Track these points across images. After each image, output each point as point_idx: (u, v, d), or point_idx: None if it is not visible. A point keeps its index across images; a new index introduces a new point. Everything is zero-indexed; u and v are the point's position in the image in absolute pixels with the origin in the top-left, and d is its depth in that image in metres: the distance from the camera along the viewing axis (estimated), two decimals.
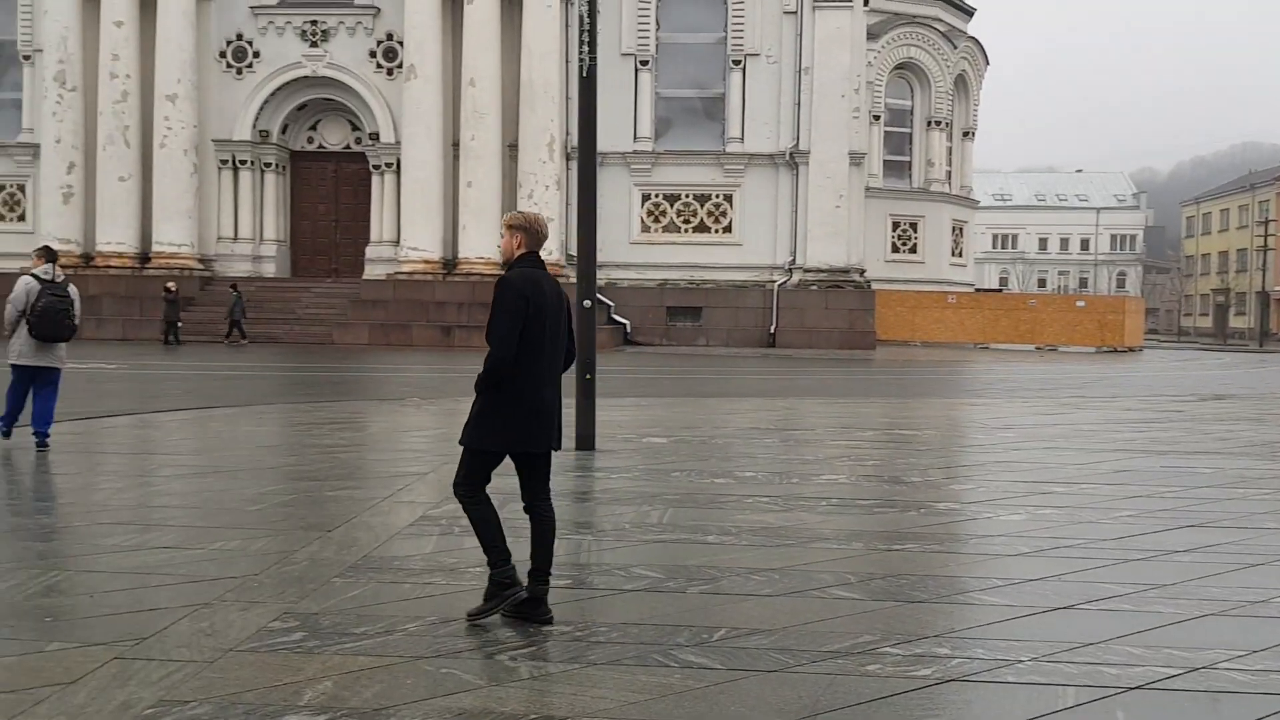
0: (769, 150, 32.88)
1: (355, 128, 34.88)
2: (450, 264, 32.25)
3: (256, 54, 33.85)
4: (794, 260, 32.87)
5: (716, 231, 33.33)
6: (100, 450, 9.86)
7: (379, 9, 33.34)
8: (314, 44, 33.62)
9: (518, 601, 4.52)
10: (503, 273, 4.94)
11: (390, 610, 4.69)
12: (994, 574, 5.54)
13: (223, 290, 31.95)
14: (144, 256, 32.98)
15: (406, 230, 32.24)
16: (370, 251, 33.74)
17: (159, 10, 32.41)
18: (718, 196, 33.28)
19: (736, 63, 32.90)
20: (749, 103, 32.95)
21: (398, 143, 32.84)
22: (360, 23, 33.60)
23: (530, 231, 4.81)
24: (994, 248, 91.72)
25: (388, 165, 33.59)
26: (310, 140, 35.41)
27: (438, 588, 5.09)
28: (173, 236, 32.76)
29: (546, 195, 31.85)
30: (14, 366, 9.42)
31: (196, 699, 3.62)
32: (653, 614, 4.70)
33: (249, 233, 34.48)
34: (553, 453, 4.78)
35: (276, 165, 34.74)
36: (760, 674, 3.97)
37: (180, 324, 29.18)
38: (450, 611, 4.67)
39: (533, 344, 4.57)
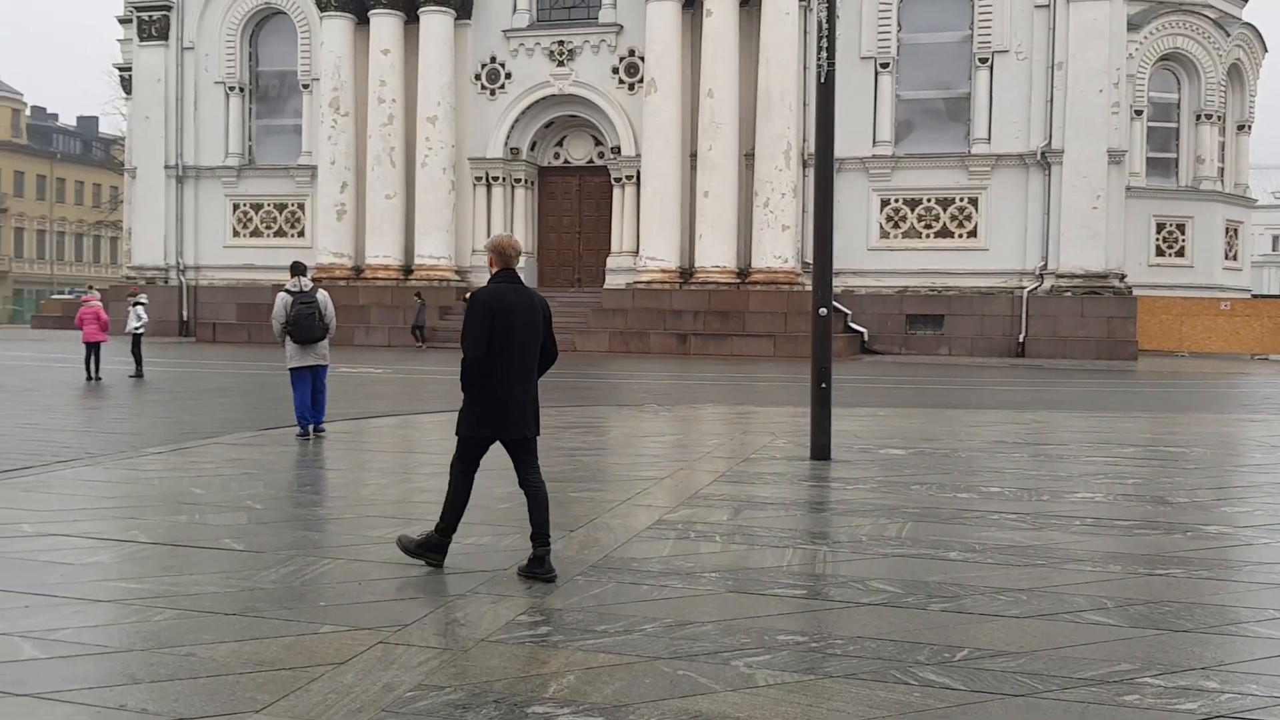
0: (1018, 150, 31.46)
1: (598, 142, 36.02)
2: (687, 273, 32.70)
3: (508, 75, 35.58)
4: (1045, 265, 31.26)
5: (960, 236, 32.19)
6: (367, 448, 10.63)
7: (622, 26, 34.30)
8: (560, 63, 34.99)
9: (434, 557, 5.51)
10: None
11: (629, 610, 4.81)
12: (1272, 604, 5.07)
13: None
14: (407, 269, 35.31)
15: (645, 240, 32.95)
16: (611, 262, 34.72)
17: (421, 38, 34.67)
18: (961, 200, 32.14)
19: (983, 61, 31.68)
20: (996, 101, 31.65)
21: (638, 155, 33.64)
22: (604, 40, 34.68)
23: (500, 253, 5.57)
24: (1275, 250, 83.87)
25: (628, 178, 34.48)
26: (556, 156, 36.86)
27: (674, 591, 5.17)
28: (432, 250, 34.91)
29: (782, 203, 31.76)
30: (290, 371, 10.90)
31: (451, 685, 3.84)
32: (891, 629, 4.60)
33: None
34: (537, 438, 5.63)
35: (525, 180, 36.37)
36: (1006, 698, 3.81)
37: (424, 327, 31.82)
38: (686, 615, 4.74)
39: (502, 348, 5.36)
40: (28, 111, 76.84)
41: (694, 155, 32.72)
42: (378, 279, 35.04)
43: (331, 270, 35.04)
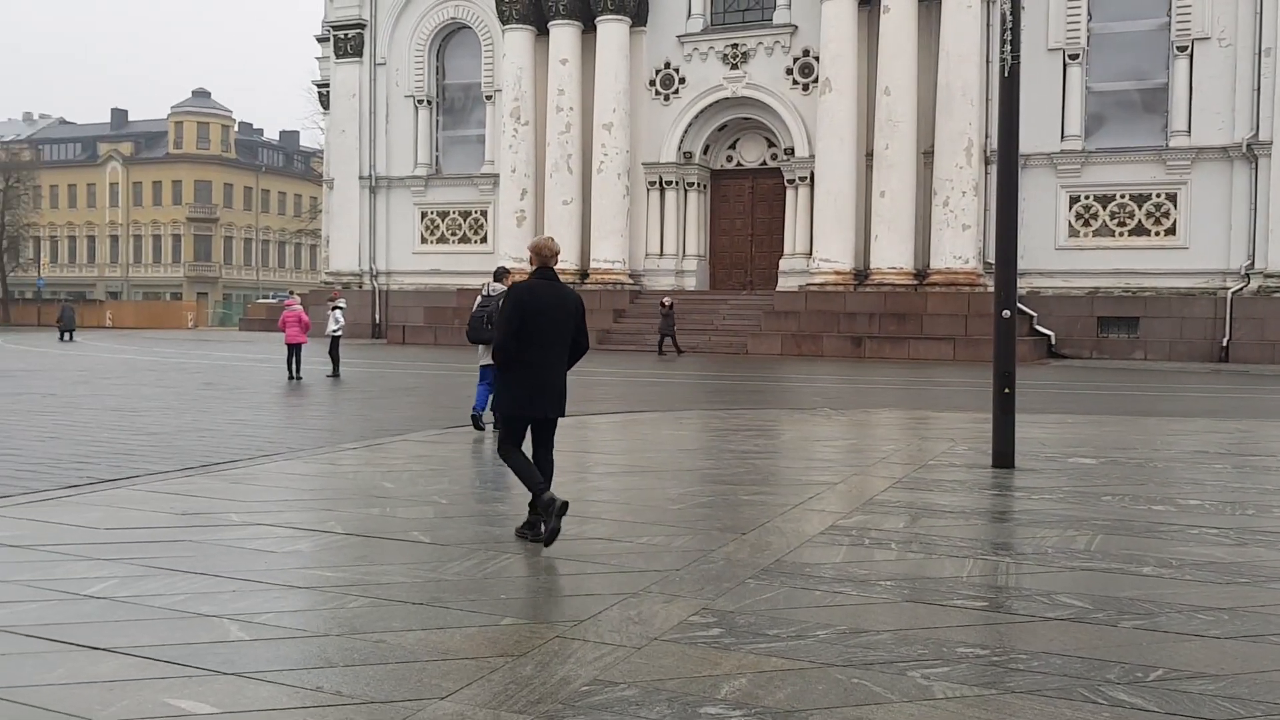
0: (1221, 143, 29.51)
1: (771, 144, 35.85)
2: (862, 275, 32.14)
3: (682, 80, 35.85)
4: (1251, 264, 29.20)
5: (1157, 234, 30.44)
6: None
7: (796, 27, 34.04)
8: (734, 66, 35.00)
9: (551, 525, 5.86)
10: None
11: (802, 615, 4.78)
12: None
13: (651, 303, 34.18)
14: (583, 272, 36.04)
15: (819, 242, 32.57)
16: (784, 264, 34.48)
17: (598, 46, 35.35)
18: (1158, 195, 30.39)
19: (1182, 49, 29.88)
20: (1196, 92, 29.79)
21: (811, 156, 33.30)
22: (778, 42, 34.50)
23: (539, 253, 6.22)
24: None
25: (801, 179, 34.16)
26: (729, 159, 36.90)
27: (848, 598, 5.11)
28: (606, 254, 35.52)
29: (963, 202, 30.82)
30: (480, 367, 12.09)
31: (625, 681, 3.91)
32: (1078, 645, 4.41)
33: (673, 248, 36.58)
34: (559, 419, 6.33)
35: (698, 184, 36.56)
36: None
37: (673, 336, 29.80)
38: (861, 622, 4.67)
39: (531, 337, 5.98)
40: (236, 128, 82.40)
41: (869, 154, 32.14)
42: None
43: (512, 275, 36.07)
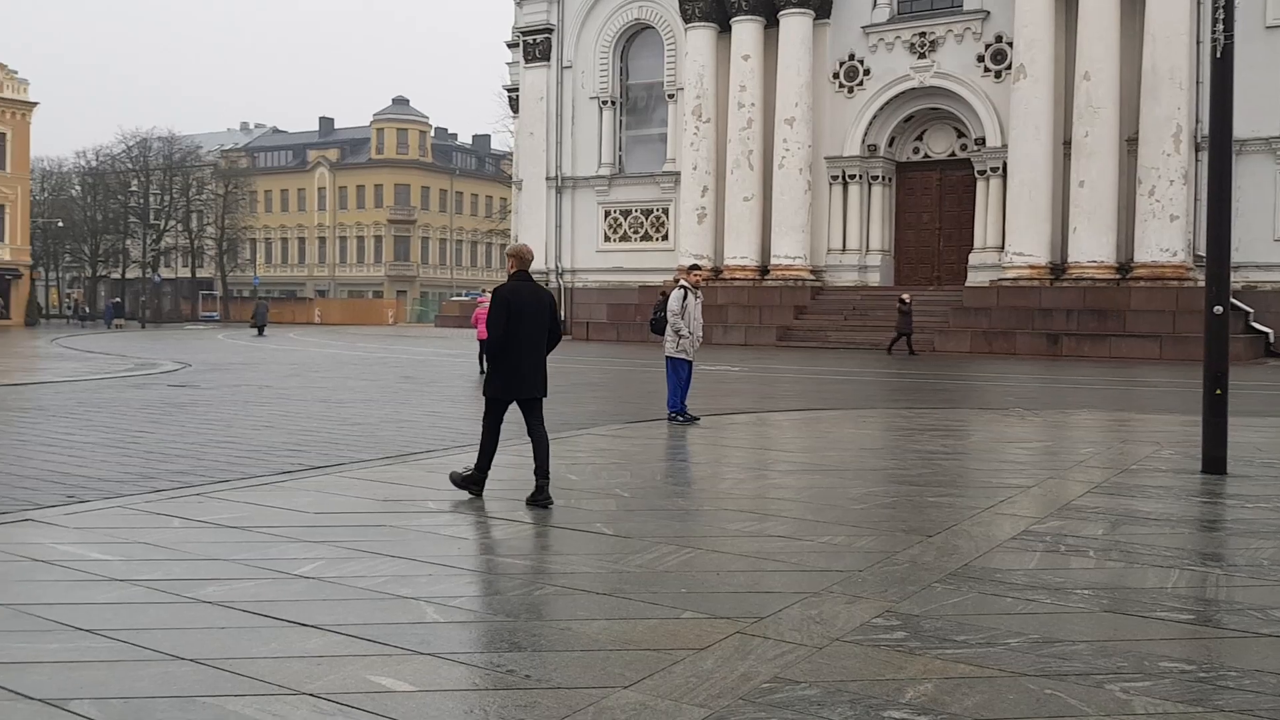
0: None
1: (960, 135, 34.74)
2: (1058, 269, 30.74)
3: (866, 71, 35.17)
4: None
5: None
6: (725, 443, 10.94)
7: (988, 12, 32.86)
8: (921, 55, 34.09)
9: (474, 489, 7.27)
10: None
11: (991, 622, 4.63)
12: None
13: (831, 300, 33.69)
14: (763, 269, 35.89)
15: (1011, 235, 31.36)
16: (973, 258, 33.36)
17: (780, 40, 35.11)
18: None
19: None
20: None
21: (1004, 146, 32.09)
22: (969, 28, 33.39)
23: (519, 258, 7.32)
24: None
25: (993, 170, 32.96)
26: (915, 151, 35.96)
27: (1041, 606, 4.91)
28: (788, 250, 35.25)
29: (1170, 191, 29.04)
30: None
31: (807, 680, 3.89)
32: None
33: (856, 244, 35.95)
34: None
35: (883, 177, 35.79)
36: None
37: (909, 336, 28.37)
38: (1055, 632, 4.49)
39: (516, 331, 6.99)
40: (432, 133, 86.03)
41: (1067, 143, 30.70)
42: (735, 280, 35.88)
43: (698, 273, 36.30)
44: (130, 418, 12.51)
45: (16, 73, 58.93)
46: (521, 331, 7.01)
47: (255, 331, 44.99)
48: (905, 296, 29.09)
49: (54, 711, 3.50)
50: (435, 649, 4.19)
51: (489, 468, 7.29)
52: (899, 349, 28.39)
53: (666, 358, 12.39)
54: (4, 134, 57.72)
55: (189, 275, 78.08)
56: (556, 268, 41.94)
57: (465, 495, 7.27)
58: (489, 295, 7.34)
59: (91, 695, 3.63)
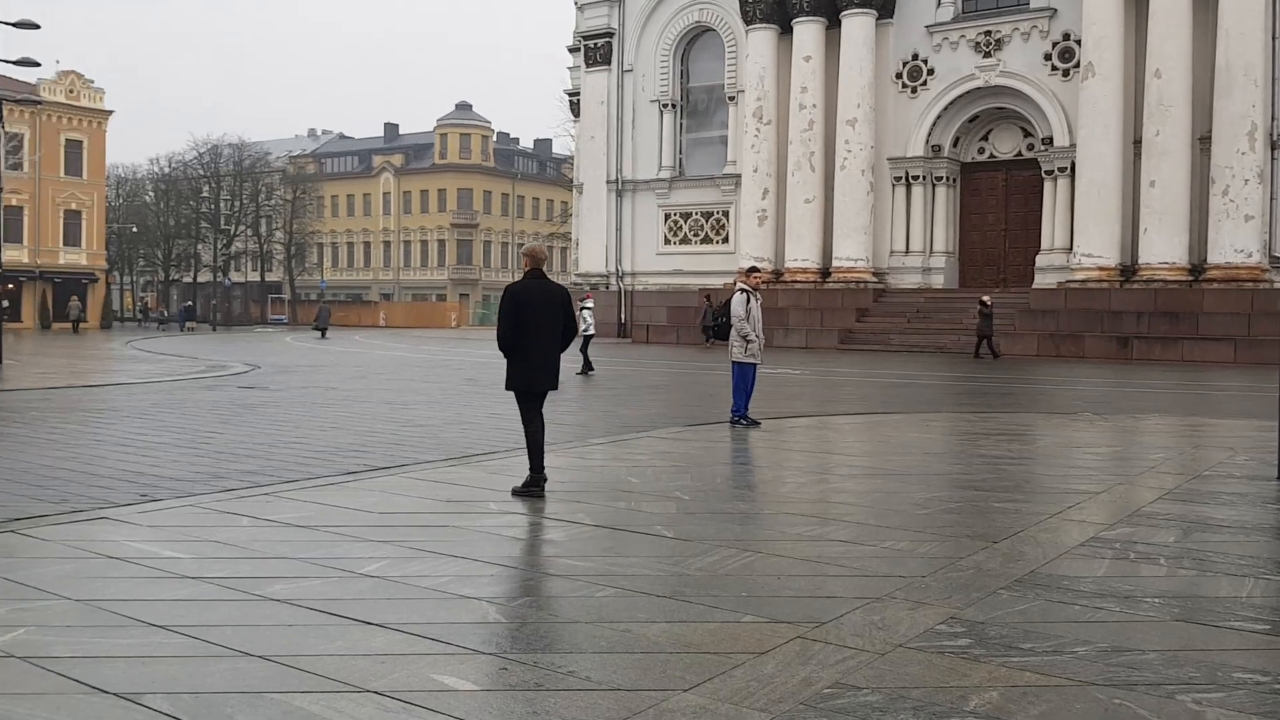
0: None
1: (1026, 134, 34.20)
2: (1128, 271, 30.10)
3: (930, 71, 34.77)
4: None
5: None
6: (787, 447, 10.88)
7: (1055, 10, 32.32)
8: (986, 54, 33.63)
9: (536, 490, 7.43)
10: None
11: (1058, 630, 4.54)
12: None
13: (894, 302, 33.33)
14: (824, 271, 35.64)
15: (1079, 236, 30.78)
16: (1040, 260, 32.81)
17: (842, 41, 34.85)
18: None
19: None
20: None
21: (1072, 145, 31.52)
22: (1035, 26, 32.86)
23: (532, 257, 7.64)
24: None
25: (1060, 170, 32.39)
26: (980, 151, 35.47)
27: (1110, 614, 4.81)
28: (849, 252, 34.97)
29: (1245, 190, 28.28)
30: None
31: (869, 686, 3.85)
32: None
33: (919, 245, 35.54)
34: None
35: (947, 178, 35.35)
36: None
37: (990, 339, 27.77)
38: (1124, 641, 4.39)
39: (527, 327, 7.33)
40: (494, 138, 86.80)
41: (1137, 142, 30.06)
42: (796, 282, 35.68)
43: (757, 275, 36.20)
44: (201, 418, 12.80)
45: (93, 82, 60.65)
46: (534, 328, 7.31)
47: (318, 334, 45.98)
48: (986, 298, 28.44)
49: (128, 705, 3.59)
50: (497, 649, 4.23)
51: (542, 467, 7.49)
52: (983, 352, 27.67)
53: (733, 362, 12.30)
54: (80, 141, 59.45)
55: (258, 279, 79.64)
56: (617, 270, 42.06)
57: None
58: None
59: (163, 690, 3.72)
